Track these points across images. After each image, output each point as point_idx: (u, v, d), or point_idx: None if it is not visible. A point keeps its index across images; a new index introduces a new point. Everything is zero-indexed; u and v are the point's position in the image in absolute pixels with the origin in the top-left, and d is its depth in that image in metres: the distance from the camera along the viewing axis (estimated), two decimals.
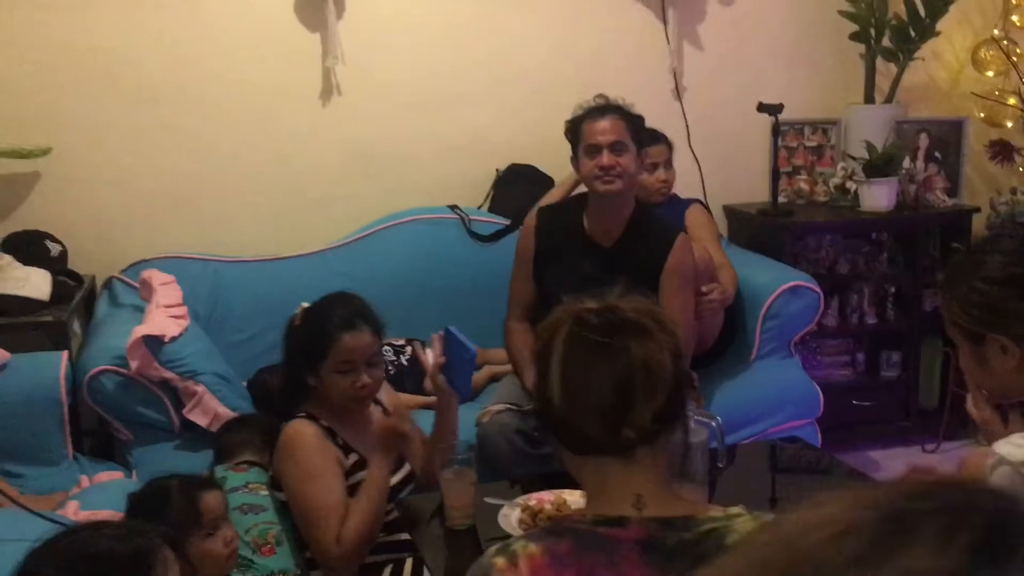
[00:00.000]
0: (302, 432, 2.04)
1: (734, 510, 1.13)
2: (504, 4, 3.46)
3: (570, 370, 1.19)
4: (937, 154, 3.56)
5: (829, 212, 3.54)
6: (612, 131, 2.65)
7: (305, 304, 2.16)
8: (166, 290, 2.80)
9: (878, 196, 3.39)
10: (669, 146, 3.24)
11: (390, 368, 2.99)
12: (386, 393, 2.30)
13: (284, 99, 3.29)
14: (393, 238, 3.29)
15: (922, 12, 3.44)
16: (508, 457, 2.57)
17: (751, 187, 3.76)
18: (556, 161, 3.44)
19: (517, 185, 3.48)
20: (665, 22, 3.57)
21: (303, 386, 2.10)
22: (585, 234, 2.76)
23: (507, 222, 3.37)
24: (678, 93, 3.64)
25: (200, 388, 2.52)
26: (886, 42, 3.56)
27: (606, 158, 2.64)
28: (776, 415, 2.90)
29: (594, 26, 3.53)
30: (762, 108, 3.38)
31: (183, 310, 2.65)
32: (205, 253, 3.16)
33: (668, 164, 3.24)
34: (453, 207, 3.39)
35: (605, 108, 2.70)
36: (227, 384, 2.65)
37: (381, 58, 3.35)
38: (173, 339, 2.50)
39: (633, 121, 2.69)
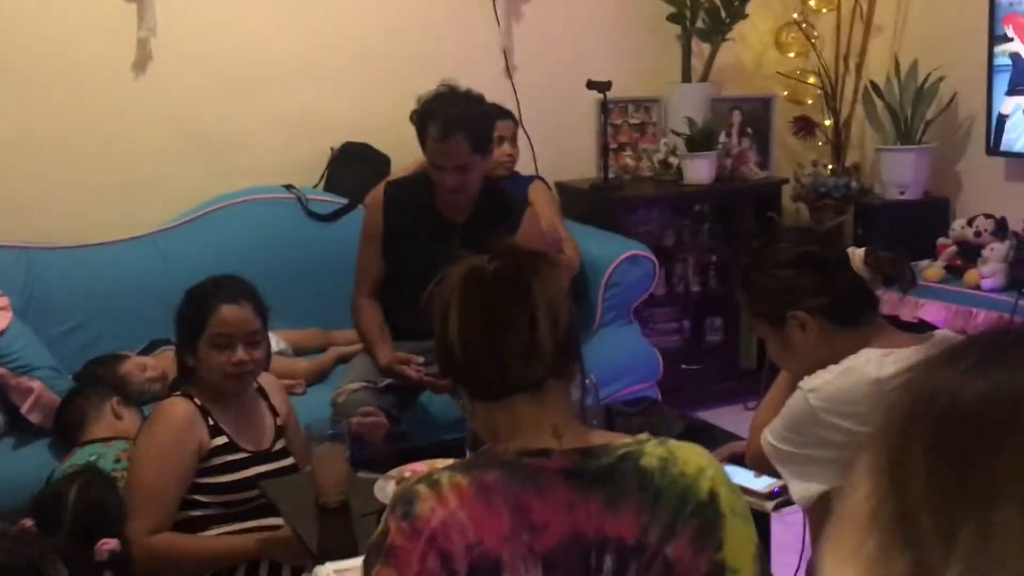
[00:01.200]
0: (172, 411, 1.99)
1: (642, 436, 1.18)
2: None
3: (470, 318, 1.20)
4: (749, 129, 3.80)
5: (655, 186, 3.71)
6: (456, 156, 2.56)
7: None
8: None
9: (700, 169, 3.58)
10: (515, 122, 3.30)
11: None
12: (268, 380, 2.25)
13: (98, 73, 3.08)
14: (226, 219, 3.16)
15: None
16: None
17: (579, 164, 3.88)
18: (392, 139, 3.42)
19: (352, 164, 3.42)
20: (495, 2, 3.61)
21: (187, 368, 2.06)
22: (436, 211, 2.75)
23: (345, 201, 3.31)
24: (508, 72, 3.69)
25: (36, 384, 2.34)
26: (699, 24, 3.76)
27: (450, 179, 2.61)
28: (622, 379, 3.01)
29: (427, 4, 3.52)
30: (591, 85, 3.49)
31: (4, 301, 2.45)
32: (16, 240, 2.91)
33: (513, 140, 3.29)
34: (288, 187, 3.29)
35: (452, 126, 2.55)
36: (60, 378, 2.47)
37: (202, 30, 3.20)
38: (2, 333, 2.30)
39: (479, 137, 2.59)
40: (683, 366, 3.69)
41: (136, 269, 2.98)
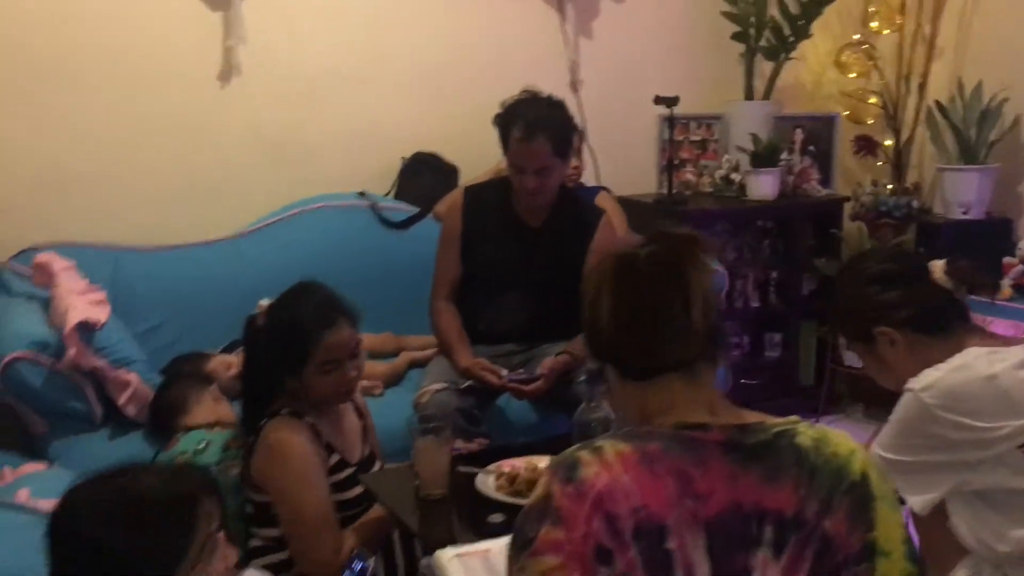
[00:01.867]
0: (292, 437, 1.97)
1: (793, 417, 1.21)
2: None
3: (624, 302, 1.24)
4: (811, 148, 3.83)
5: (717, 201, 3.75)
6: (537, 158, 2.63)
7: (265, 301, 2.07)
8: (69, 275, 2.62)
9: (763, 185, 3.61)
10: (580, 136, 3.34)
11: None
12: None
13: (183, 80, 3.16)
14: (303, 225, 3.22)
15: (798, 12, 3.71)
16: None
17: (639, 179, 3.93)
18: (460, 150, 3.50)
19: (422, 173, 3.48)
20: (563, 17, 3.68)
21: (273, 386, 2.03)
22: (513, 214, 2.80)
23: (416, 209, 3.36)
24: (575, 86, 3.75)
25: (132, 376, 2.39)
26: (762, 43, 3.81)
27: (530, 182, 2.67)
28: None
29: (496, 19, 3.60)
30: (659, 101, 3.54)
31: (102, 295, 2.50)
32: (103, 240, 2.98)
33: (579, 153, 3.33)
34: (361, 194, 3.35)
35: (534, 128, 2.63)
36: (152, 373, 2.52)
37: (285, 41, 3.28)
38: (103, 326, 2.36)
39: (560, 139, 2.66)
40: (742, 381, 3.71)
41: (216, 271, 3.04)
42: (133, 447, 2.39)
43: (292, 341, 1.98)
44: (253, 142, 3.27)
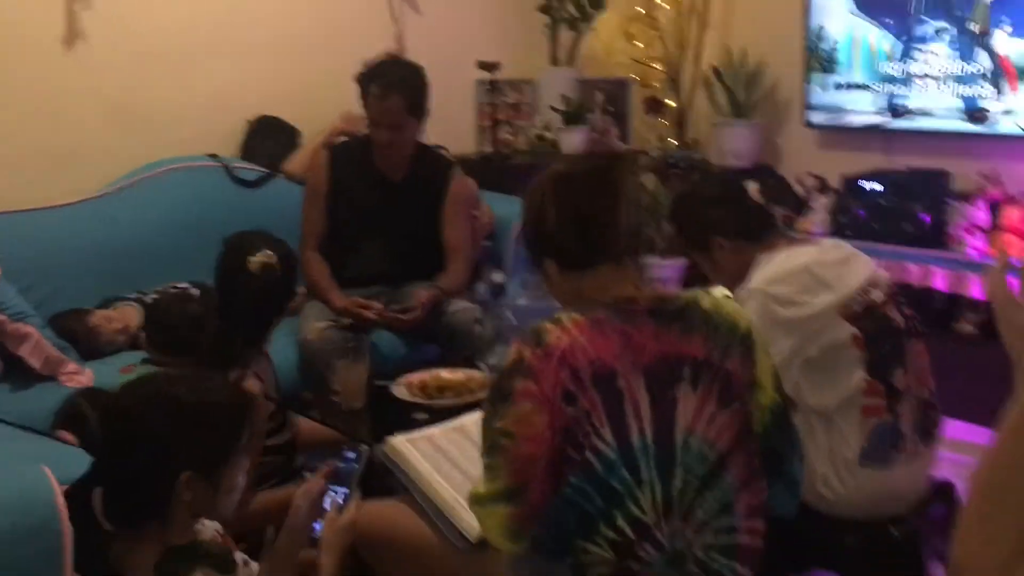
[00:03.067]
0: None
1: (697, 290, 1.63)
2: None
3: (565, 206, 1.59)
4: (611, 108, 4.35)
5: (535, 156, 4.18)
6: (392, 114, 2.94)
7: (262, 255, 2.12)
8: None
9: (575, 141, 4.10)
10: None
11: None
12: None
13: (26, 44, 3.18)
14: (161, 185, 3.34)
15: None
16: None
17: (460, 139, 4.29)
18: (299, 112, 3.72)
19: (266, 135, 3.68)
20: None
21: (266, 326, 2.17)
22: (375, 169, 3.10)
23: (265, 170, 3.56)
24: (401, 53, 4.03)
25: (31, 329, 2.48)
26: (564, 15, 4.27)
27: (384, 135, 2.98)
28: None
29: None
30: (482, 66, 3.91)
31: None
32: None
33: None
34: (213, 156, 3.50)
35: (389, 84, 2.93)
36: (45, 328, 2.61)
37: (131, 6, 3.36)
38: None
39: (413, 99, 2.97)
40: None
41: (79, 232, 3.11)
42: (36, 399, 2.48)
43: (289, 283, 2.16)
44: (100, 107, 3.33)
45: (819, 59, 3.96)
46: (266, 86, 3.69)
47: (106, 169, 3.33)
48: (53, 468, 1.75)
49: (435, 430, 1.98)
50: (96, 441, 1.65)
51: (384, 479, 1.90)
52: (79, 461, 1.70)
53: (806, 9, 3.96)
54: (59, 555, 1.71)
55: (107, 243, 3.08)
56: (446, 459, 1.90)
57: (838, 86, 3.92)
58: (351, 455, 1.71)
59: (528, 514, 1.49)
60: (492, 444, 1.51)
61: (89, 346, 2.78)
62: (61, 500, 1.72)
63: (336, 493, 1.66)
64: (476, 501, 1.54)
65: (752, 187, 2.27)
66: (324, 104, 3.67)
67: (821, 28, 3.92)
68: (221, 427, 1.46)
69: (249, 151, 3.65)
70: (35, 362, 2.48)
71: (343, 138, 3.43)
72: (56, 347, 2.58)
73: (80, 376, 2.52)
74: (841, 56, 3.89)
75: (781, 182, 2.32)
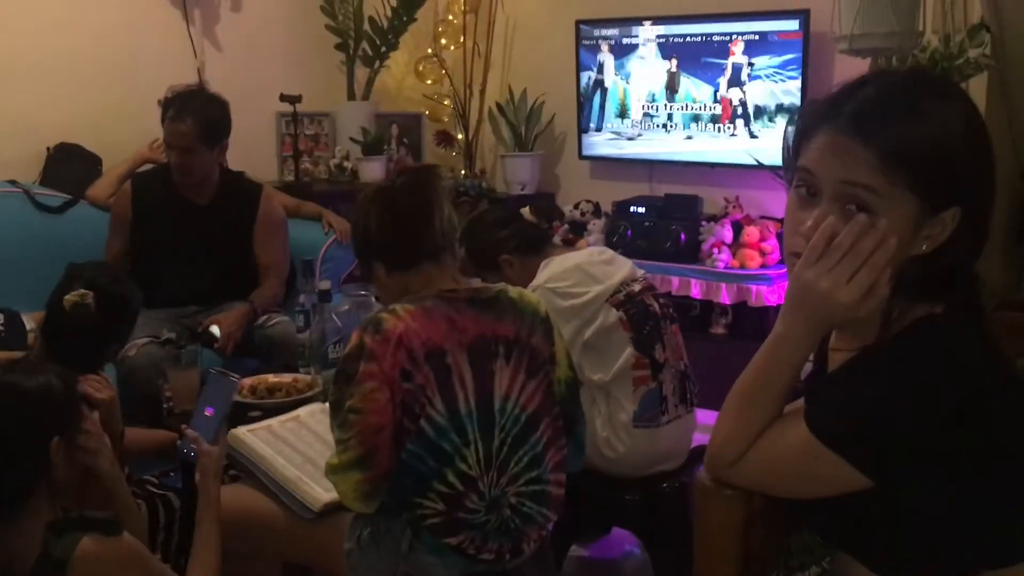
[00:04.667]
0: None
1: (500, 284, 1.95)
2: None
3: (386, 214, 1.87)
4: (405, 140, 4.67)
5: (334, 185, 4.42)
6: (183, 137, 3.10)
7: (80, 292, 2.17)
8: None
9: (374, 170, 4.38)
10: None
11: None
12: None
13: None
14: None
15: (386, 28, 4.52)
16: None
17: (263, 167, 4.45)
18: (100, 141, 3.78)
19: (67, 163, 3.71)
20: (189, 22, 4.10)
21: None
22: (180, 195, 3.24)
23: (68, 196, 3.59)
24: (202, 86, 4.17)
25: None
26: (359, 53, 4.56)
27: (175, 158, 3.15)
28: None
29: (127, 19, 3.93)
30: (284, 98, 4.12)
31: None
32: None
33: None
34: (12, 182, 3.50)
35: (183, 109, 3.09)
36: None
37: None
38: None
39: (207, 127, 3.11)
40: None
41: None
42: None
43: (127, 313, 2.25)
44: None
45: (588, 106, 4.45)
46: (66, 114, 3.73)
47: None
48: None
49: (272, 421, 2.19)
50: None
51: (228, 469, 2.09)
52: None
53: (578, 48, 4.43)
54: None
55: None
56: (286, 444, 2.12)
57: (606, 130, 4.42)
58: (218, 378, 1.90)
59: (379, 477, 1.74)
60: (343, 420, 1.75)
61: None
62: None
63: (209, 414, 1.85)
64: (331, 471, 1.78)
65: (525, 210, 2.67)
66: (125, 133, 3.75)
67: (590, 79, 4.41)
68: (69, 394, 1.64)
69: (50, 178, 3.66)
70: None
71: (148, 166, 3.54)
72: None
73: None
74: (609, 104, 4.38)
75: (549, 202, 2.74)
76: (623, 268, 2.51)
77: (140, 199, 3.25)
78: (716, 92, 4.05)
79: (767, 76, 3.90)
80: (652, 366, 2.42)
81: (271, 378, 2.58)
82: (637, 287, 2.48)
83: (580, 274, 2.43)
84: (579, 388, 2.02)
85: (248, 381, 2.55)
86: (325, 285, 2.58)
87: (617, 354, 2.39)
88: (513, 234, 2.58)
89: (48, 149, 3.68)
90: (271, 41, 4.44)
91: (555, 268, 2.46)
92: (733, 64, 3.98)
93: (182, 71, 4.07)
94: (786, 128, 1.27)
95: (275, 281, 3.30)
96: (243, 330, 3.10)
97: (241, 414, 2.37)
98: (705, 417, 2.57)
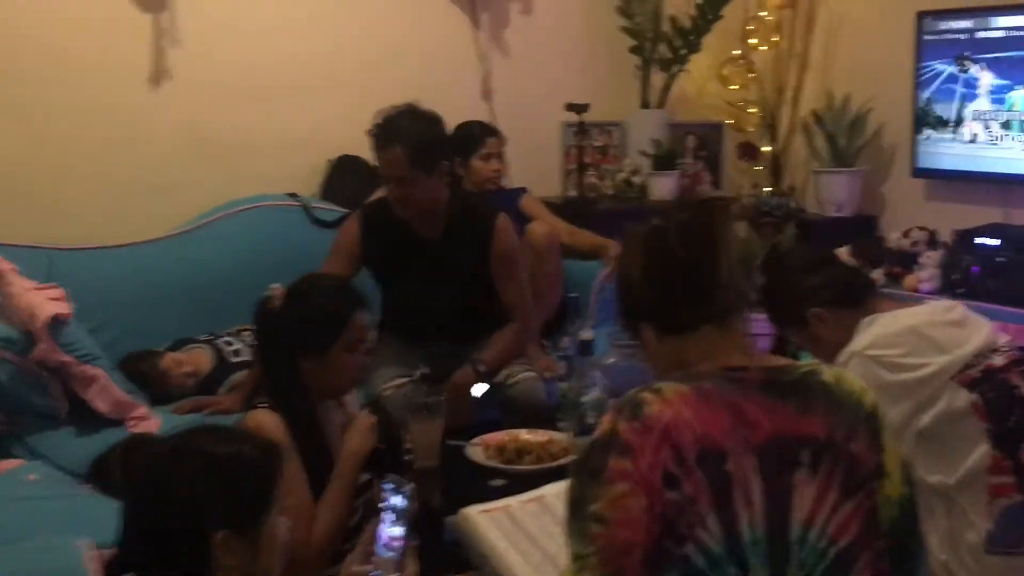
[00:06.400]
0: (273, 425, 1.89)
1: (814, 362, 1.44)
2: (339, 3, 3.61)
3: (656, 266, 1.42)
4: (703, 153, 4.18)
5: (621, 202, 4.02)
6: (394, 167, 2.66)
7: (277, 287, 2.06)
8: (16, 275, 2.59)
9: (664, 186, 3.93)
10: (501, 139, 3.53)
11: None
12: None
13: (114, 81, 3.18)
14: (239, 224, 3.28)
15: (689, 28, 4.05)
16: None
17: (546, 182, 4.16)
18: None
19: (347, 176, 3.60)
20: (477, 28, 3.88)
21: (295, 369, 1.98)
22: (410, 230, 2.83)
23: (344, 211, 3.46)
24: (487, 94, 3.95)
25: (99, 372, 2.40)
26: (656, 55, 4.12)
27: (392, 191, 2.74)
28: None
29: (417, 29, 3.78)
30: (571, 107, 3.78)
31: (60, 292, 2.50)
32: (38, 241, 2.95)
33: (500, 156, 3.52)
34: (292, 195, 3.43)
35: (388, 135, 2.67)
36: (114, 370, 2.54)
37: (218, 45, 3.36)
38: (67, 322, 2.36)
39: (418, 151, 2.64)
40: None
41: (155, 270, 3.06)
42: (101, 442, 2.39)
43: (325, 318, 1.99)
44: (183, 143, 3.32)
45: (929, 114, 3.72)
46: (349, 126, 3.59)
47: (186, 206, 3.30)
48: (92, 527, 1.61)
49: (512, 501, 1.81)
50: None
51: (456, 552, 1.74)
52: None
53: (919, 47, 3.72)
54: None
55: (182, 282, 3.03)
56: (524, 535, 1.73)
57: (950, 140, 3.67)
58: (391, 489, 1.54)
59: None
60: (580, 530, 1.33)
61: (158, 390, 2.69)
62: None
63: (395, 536, 1.50)
64: None
65: (841, 251, 2.10)
66: None
67: (931, 81, 3.68)
68: (254, 482, 1.34)
69: (329, 191, 3.57)
70: (102, 406, 2.40)
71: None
72: (125, 390, 2.49)
73: (147, 422, 2.43)
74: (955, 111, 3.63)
75: (876, 241, 2.16)
76: (979, 332, 1.89)
77: (369, 235, 2.87)
78: None
79: None
80: (1017, 471, 1.78)
81: (524, 435, 2.22)
82: (999, 360, 1.85)
83: (917, 339, 1.85)
84: (917, 511, 1.46)
85: (496, 437, 2.21)
86: (587, 335, 2.17)
87: (967, 451, 1.79)
88: (826, 281, 2.03)
89: (330, 161, 3.59)
90: (561, 45, 4.12)
91: (881, 329, 1.88)
92: None
93: (467, 80, 3.87)
94: None
95: (517, 327, 2.86)
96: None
97: (480, 479, 2.02)
98: None
